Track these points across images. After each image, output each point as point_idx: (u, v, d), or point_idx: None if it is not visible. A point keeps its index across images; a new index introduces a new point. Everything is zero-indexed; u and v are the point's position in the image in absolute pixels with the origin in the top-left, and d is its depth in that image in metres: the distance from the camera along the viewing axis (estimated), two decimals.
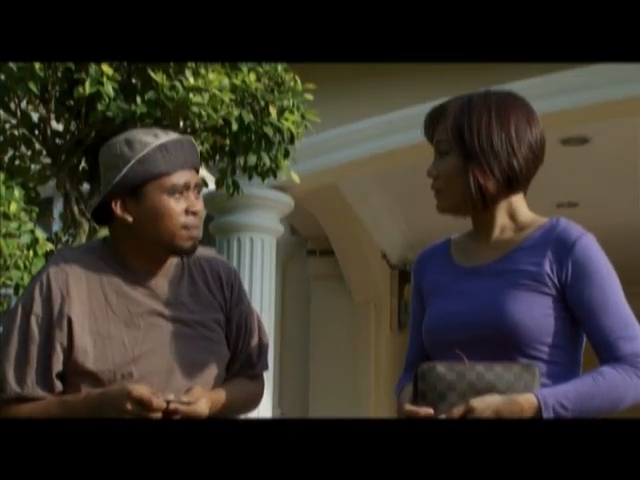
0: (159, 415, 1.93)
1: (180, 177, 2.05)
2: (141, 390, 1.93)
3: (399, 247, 8.45)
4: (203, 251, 2.20)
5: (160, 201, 2.04)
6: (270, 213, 5.46)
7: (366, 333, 8.23)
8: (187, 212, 2.06)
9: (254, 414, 5.11)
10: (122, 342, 2.03)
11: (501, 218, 1.98)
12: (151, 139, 2.05)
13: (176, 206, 2.05)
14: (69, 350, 2.02)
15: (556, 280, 1.90)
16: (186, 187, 2.06)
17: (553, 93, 5.03)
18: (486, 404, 1.79)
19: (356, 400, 7.92)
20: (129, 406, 1.92)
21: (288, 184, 5.06)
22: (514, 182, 1.95)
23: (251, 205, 5.33)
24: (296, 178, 4.27)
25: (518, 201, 1.99)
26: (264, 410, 5.33)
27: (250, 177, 4.03)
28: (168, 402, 1.94)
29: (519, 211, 1.99)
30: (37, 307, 2.03)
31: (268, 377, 5.93)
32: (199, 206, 2.08)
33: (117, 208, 2.06)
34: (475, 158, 1.93)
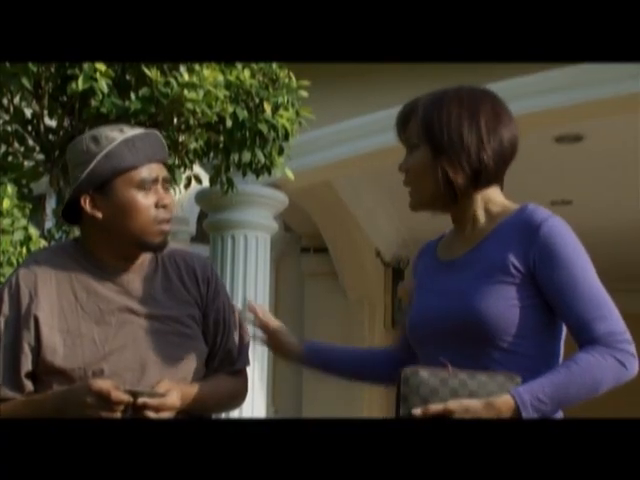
0: (121, 408, 1.91)
1: (148, 171, 2.04)
2: (101, 384, 1.92)
3: (393, 245, 8.45)
4: (178, 247, 2.19)
5: (129, 195, 2.02)
6: (264, 210, 5.46)
7: (360, 330, 8.23)
8: (157, 206, 2.04)
9: (248, 412, 5.12)
10: (92, 339, 2.02)
11: (474, 211, 1.97)
12: (117, 134, 2.04)
13: (145, 200, 2.03)
14: (37, 349, 2.01)
15: (523, 267, 1.88)
16: (154, 181, 2.05)
17: (547, 91, 5.03)
18: (464, 407, 1.79)
19: (350, 398, 7.91)
20: (89, 400, 1.91)
21: (282, 181, 5.05)
22: (483, 175, 1.94)
23: (245, 202, 5.32)
24: (290, 175, 4.27)
25: (493, 193, 1.98)
26: (258, 408, 5.33)
27: (244, 174, 4.02)
28: (135, 395, 1.92)
29: (492, 202, 1.98)
30: (5, 308, 2.03)
31: (262, 375, 5.91)
32: (169, 199, 2.06)
33: (86, 205, 2.04)
34: (444, 152, 1.92)
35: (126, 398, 1.92)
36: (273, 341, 2.20)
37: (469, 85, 2.00)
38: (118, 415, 1.92)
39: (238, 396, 2.20)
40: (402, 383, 1.83)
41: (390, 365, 2.15)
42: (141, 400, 1.92)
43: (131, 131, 2.06)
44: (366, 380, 2.22)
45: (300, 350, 2.20)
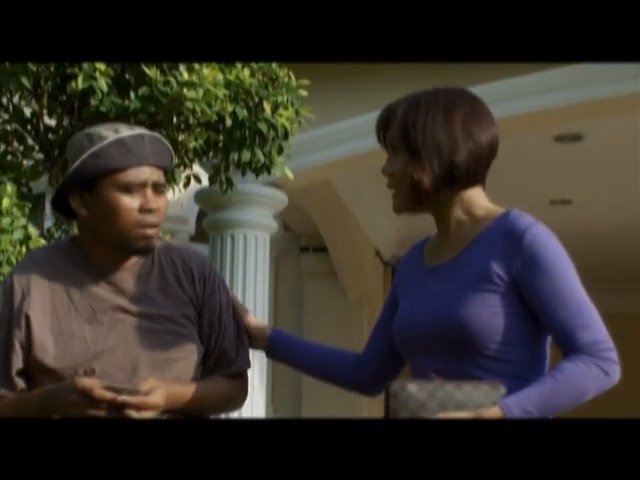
0: (105, 406, 1.90)
1: (136, 174, 2.00)
2: (85, 382, 1.91)
3: (393, 244, 8.45)
4: (177, 245, 2.17)
5: (113, 197, 2.00)
6: (263, 210, 5.46)
7: (359, 330, 8.22)
8: (141, 210, 2.01)
9: (247, 412, 5.11)
10: (84, 339, 2.01)
11: (456, 214, 1.97)
12: (110, 133, 2.02)
13: (130, 203, 2.00)
14: (28, 347, 2.01)
15: (506, 276, 1.88)
16: (142, 184, 2.01)
17: (546, 90, 5.03)
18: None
19: (350, 398, 7.91)
20: (74, 398, 1.91)
21: (282, 180, 5.05)
22: (456, 177, 1.93)
23: (245, 201, 5.32)
24: (290, 174, 4.27)
25: (474, 195, 1.98)
26: (257, 407, 5.33)
27: (244, 173, 4.02)
28: (117, 392, 1.90)
29: (475, 205, 1.97)
30: None
31: (262, 374, 5.89)
32: (156, 204, 2.02)
33: (73, 202, 2.04)
34: (418, 154, 1.93)
35: (109, 396, 1.90)
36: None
37: (446, 86, 2.00)
38: (102, 413, 1.90)
39: (234, 399, 2.15)
40: (390, 398, 1.83)
41: (357, 370, 2.15)
42: (121, 398, 1.90)
43: (127, 132, 2.03)
44: (329, 381, 2.20)
45: (265, 338, 2.18)
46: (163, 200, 2.05)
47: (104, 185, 2.00)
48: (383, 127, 2.01)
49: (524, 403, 1.79)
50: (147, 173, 2.02)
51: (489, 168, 1.99)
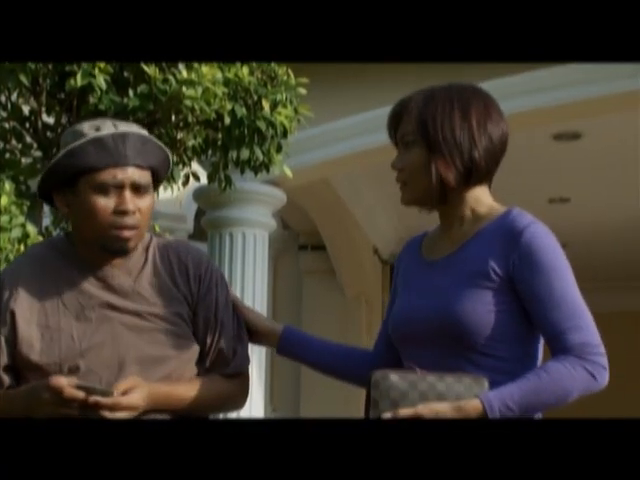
0: (76, 405, 1.87)
1: (112, 174, 1.96)
2: (58, 380, 1.89)
3: (391, 242, 8.45)
4: (175, 242, 2.14)
5: (88, 197, 1.97)
6: (262, 208, 5.46)
7: (357, 328, 8.23)
8: (116, 211, 1.97)
9: (246, 411, 5.11)
10: (70, 335, 1.99)
11: (462, 210, 1.97)
12: (91, 131, 1.99)
13: (104, 204, 1.97)
14: (14, 343, 2.00)
15: (503, 272, 1.89)
16: (119, 185, 1.96)
17: (545, 88, 5.04)
18: (434, 411, 1.80)
19: (348, 396, 7.91)
20: (46, 397, 1.89)
21: (280, 179, 5.05)
22: (474, 174, 1.94)
23: (243, 200, 5.32)
24: (289, 173, 4.26)
25: (481, 193, 1.98)
26: (256, 406, 5.33)
27: (242, 171, 4.02)
28: (89, 392, 1.87)
29: (480, 203, 1.98)
30: None
31: (260, 373, 5.88)
32: (133, 205, 1.97)
33: (57, 199, 2.03)
34: (438, 149, 1.92)
35: (80, 396, 1.87)
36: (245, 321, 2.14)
37: (458, 83, 2.01)
38: (75, 413, 1.88)
39: (233, 399, 2.11)
40: (372, 387, 1.84)
41: (369, 367, 2.10)
42: (92, 399, 1.87)
43: (109, 130, 1.99)
44: (340, 378, 2.18)
45: (277, 335, 2.16)
46: (146, 201, 2.00)
47: (81, 185, 1.98)
48: (396, 121, 2.00)
49: (505, 398, 1.80)
50: (126, 173, 1.97)
51: (499, 166, 1.99)
